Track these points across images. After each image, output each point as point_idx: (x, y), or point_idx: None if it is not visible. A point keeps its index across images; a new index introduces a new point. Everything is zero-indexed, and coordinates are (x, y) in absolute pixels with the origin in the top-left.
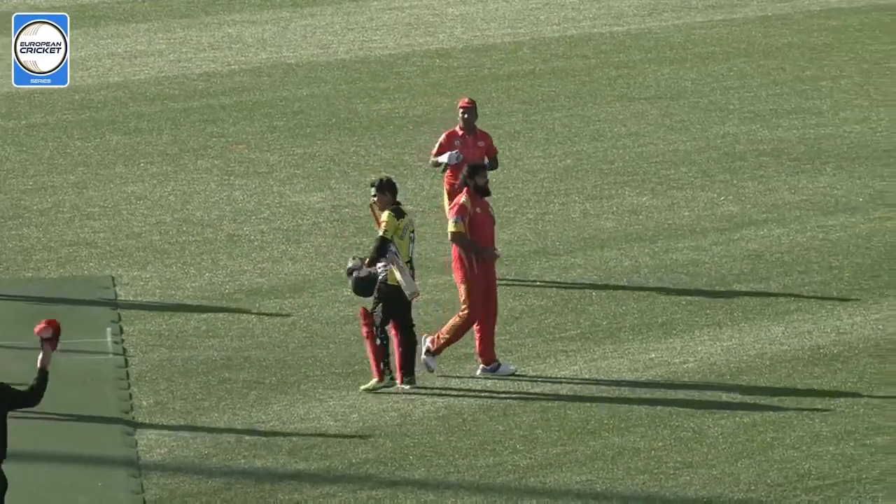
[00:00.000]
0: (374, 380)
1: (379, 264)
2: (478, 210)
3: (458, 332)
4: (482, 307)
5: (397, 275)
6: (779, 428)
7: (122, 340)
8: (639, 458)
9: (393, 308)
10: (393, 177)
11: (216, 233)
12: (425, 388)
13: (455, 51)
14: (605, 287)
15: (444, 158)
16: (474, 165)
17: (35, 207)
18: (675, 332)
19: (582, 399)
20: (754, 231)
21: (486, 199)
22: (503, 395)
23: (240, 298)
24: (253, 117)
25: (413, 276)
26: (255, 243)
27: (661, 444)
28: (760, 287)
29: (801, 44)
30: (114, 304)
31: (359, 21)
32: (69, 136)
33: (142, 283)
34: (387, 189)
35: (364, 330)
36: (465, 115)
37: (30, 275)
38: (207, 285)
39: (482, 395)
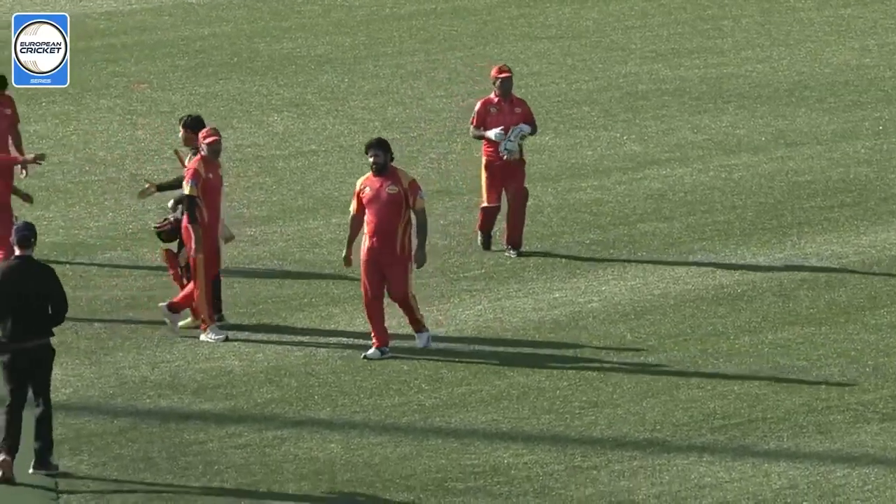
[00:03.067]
0: (191, 319)
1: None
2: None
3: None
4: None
5: None
6: (684, 367)
7: None
8: (544, 398)
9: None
10: (201, 116)
11: (119, 172)
12: (329, 330)
13: None
14: None
15: (490, 135)
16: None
17: None
18: (579, 271)
19: (486, 339)
20: (657, 170)
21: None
22: (409, 337)
23: (143, 238)
24: (155, 56)
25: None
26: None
27: (566, 383)
28: (664, 227)
29: None
30: None
31: None
32: None
33: (45, 222)
34: (191, 126)
35: (172, 273)
36: (503, 84)
37: None
38: (111, 225)
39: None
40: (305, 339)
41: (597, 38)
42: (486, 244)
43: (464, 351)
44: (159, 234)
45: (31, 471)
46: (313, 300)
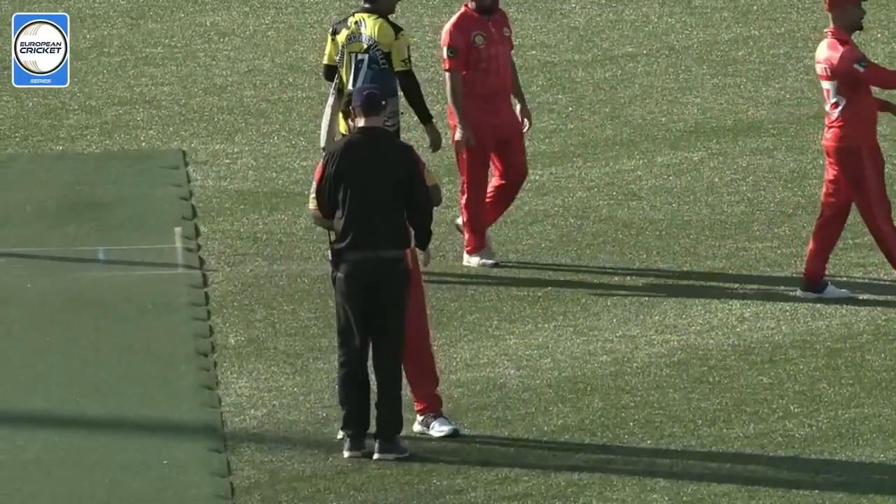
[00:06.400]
0: None
1: None
2: None
3: None
4: None
5: None
6: None
7: (199, 247)
8: None
9: None
10: None
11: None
12: (651, 322)
13: None
14: None
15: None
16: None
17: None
18: None
19: None
20: None
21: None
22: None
23: None
24: None
25: None
26: None
27: None
28: None
29: None
30: (186, 192)
31: None
32: None
33: (228, 160)
34: None
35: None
36: None
37: (60, 148)
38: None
39: None
40: (615, 337)
41: None
42: None
43: (850, 356)
44: None
45: (376, 455)
46: (627, 279)
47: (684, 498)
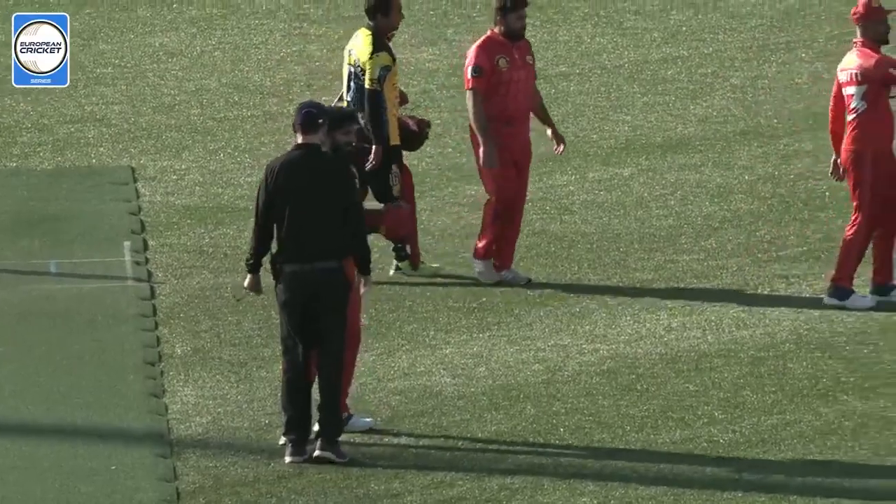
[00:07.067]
0: None
1: None
2: None
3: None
4: None
5: None
6: None
7: (147, 260)
8: None
9: None
10: None
11: (282, 105)
12: (583, 331)
13: None
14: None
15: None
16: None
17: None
18: None
19: (818, 342)
20: None
21: None
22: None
23: None
24: None
25: None
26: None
27: None
28: None
29: None
30: (135, 207)
31: None
32: None
33: (175, 176)
34: None
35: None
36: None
37: (14, 165)
38: None
39: None
40: (547, 346)
41: None
42: None
43: (773, 364)
44: None
45: (317, 452)
46: (559, 291)
47: (612, 501)
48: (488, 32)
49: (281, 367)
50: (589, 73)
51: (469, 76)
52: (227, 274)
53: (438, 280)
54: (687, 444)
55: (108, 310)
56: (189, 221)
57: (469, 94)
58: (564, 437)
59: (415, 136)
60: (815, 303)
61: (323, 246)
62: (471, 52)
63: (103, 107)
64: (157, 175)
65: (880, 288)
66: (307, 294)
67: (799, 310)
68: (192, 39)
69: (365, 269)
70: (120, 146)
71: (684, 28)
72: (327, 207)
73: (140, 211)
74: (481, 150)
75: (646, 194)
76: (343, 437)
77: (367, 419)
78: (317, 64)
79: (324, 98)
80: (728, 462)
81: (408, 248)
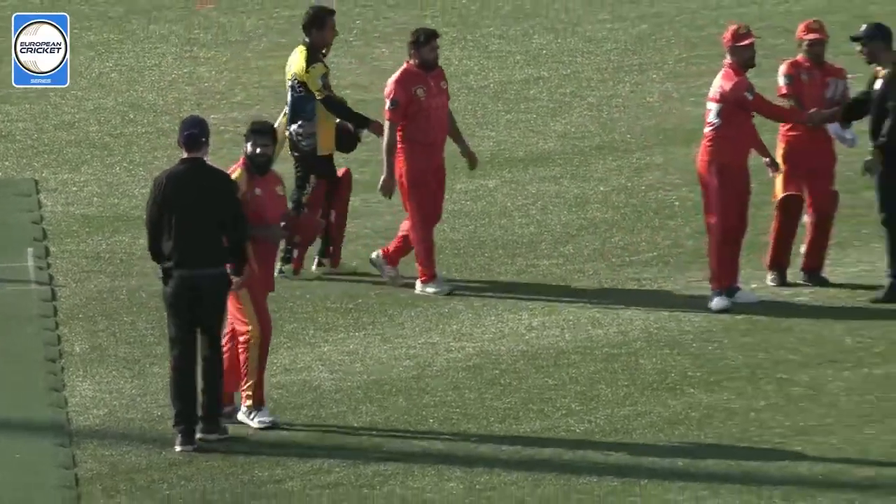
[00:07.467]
0: None
1: None
2: (257, 191)
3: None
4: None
5: None
6: None
7: (49, 266)
8: (733, 422)
9: None
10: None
11: (174, 122)
12: (450, 331)
13: None
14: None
15: (849, 137)
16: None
17: None
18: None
19: (657, 342)
20: None
21: None
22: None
23: None
24: None
25: None
26: (224, 135)
27: (763, 403)
28: None
29: None
30: (38, 217)
31: None
32: None
33: (75, 188)
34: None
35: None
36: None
37: None
38: None
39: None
40: (418, 344)
41: None
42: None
43: (626, 360)
44: None
45: (199, 434)
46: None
47: (477, 486)
48: (404, 65)
49: (170, 364)
50: (457, 93)
51: (387, 108)
52: (122, 278)
53: (317, 282)
54: (546, 433)
55: (12, 311)
56: (87, 229)
57: (386, 125)
58: (433, 427)
59: (351, 136)
60: (664, 303)
61: (205, 253)
62: (389, 86)
63: (8, 124)
64: (58, 187)
65: (729, 290)
66: (192, 297)
67: (649, 310)
68: (90, 62)
69: (239, 272)
70: (24, 160)
71: (545, 51)
72: (209, 218)
73: (42, 220)
74: (383, 177)
75: (509, 204)
76: (234, 430)
77: (269, 418)
78: (206, 84)
79: (213, 116)
80: (584, 450)
81: (295, 253)
